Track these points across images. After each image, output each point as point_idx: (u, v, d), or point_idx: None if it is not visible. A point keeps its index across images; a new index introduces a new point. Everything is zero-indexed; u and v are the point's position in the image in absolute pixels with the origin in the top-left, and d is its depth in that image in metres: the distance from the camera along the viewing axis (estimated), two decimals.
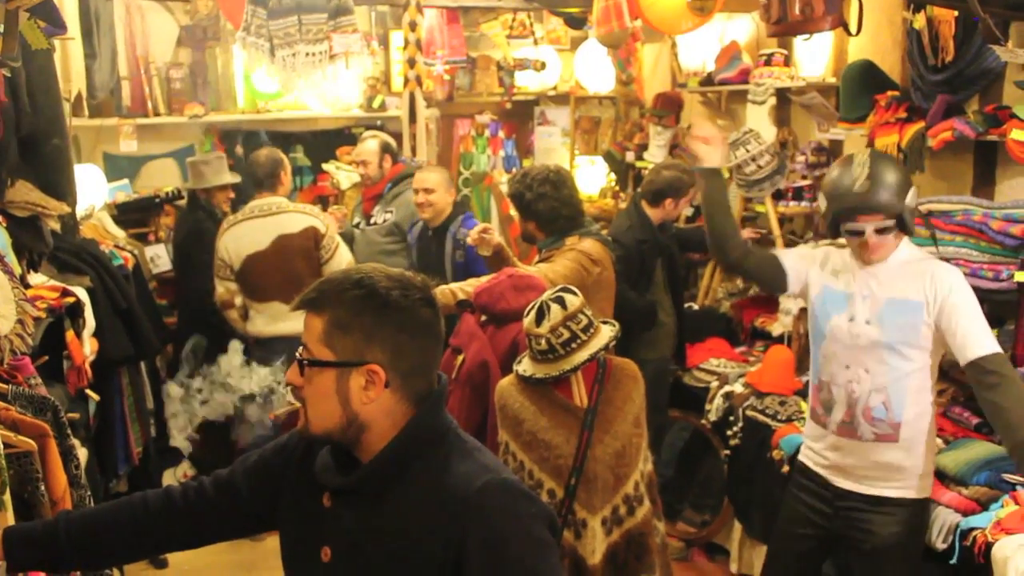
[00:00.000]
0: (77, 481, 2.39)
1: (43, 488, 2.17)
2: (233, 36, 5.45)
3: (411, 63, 5.67)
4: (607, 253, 3.75)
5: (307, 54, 5.02)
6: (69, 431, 2.44)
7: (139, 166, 6.00)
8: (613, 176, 6.55)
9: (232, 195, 5.17)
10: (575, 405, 2.74)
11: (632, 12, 4.77)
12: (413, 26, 5.64)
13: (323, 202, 6.04)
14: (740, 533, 4.26)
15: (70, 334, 3.14)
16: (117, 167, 5.78)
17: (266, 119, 6.21)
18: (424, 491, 1.56)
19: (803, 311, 4.02)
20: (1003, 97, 3.58)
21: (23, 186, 2.88)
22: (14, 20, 2.16)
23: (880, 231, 2.73)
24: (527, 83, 7.05)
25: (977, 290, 2.77)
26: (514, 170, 6.03)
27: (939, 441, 3.14)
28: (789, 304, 4.34)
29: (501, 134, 6.95)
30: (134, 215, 5.39)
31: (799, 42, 4.72)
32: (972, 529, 2.82)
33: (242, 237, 4.55)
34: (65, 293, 3.18)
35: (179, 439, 4.70)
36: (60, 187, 2.88)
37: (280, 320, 4.47)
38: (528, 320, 2.74)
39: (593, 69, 6.49)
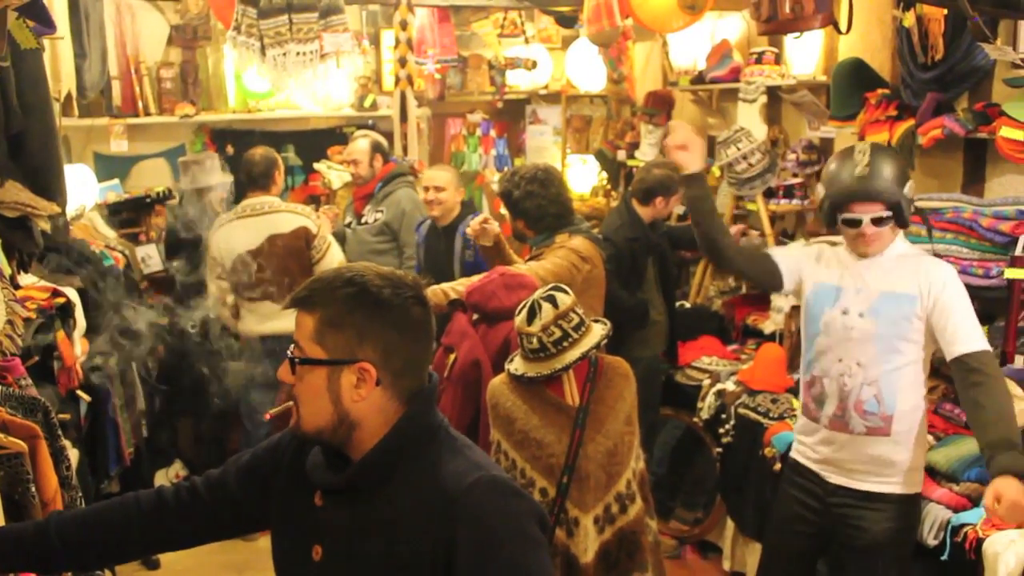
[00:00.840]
0: (68, 482, 2.38)
1: (34, 489, 2.17)
2: (224, 35, 5.45)
3: (402, 62, 5.67)
4: (597, 251, 3.75)
5: (298, 53, 5.00)
6: (60, 432, 2.43)
7: (130, 166, 5.99)
8: (604, 175, 6.55)
9: (223, 195, 5.15)
10: (567, 404, 2.74)
11: (623, 11, 4.78)
12: (404, 25, 5.65)
13: (315, 202, 6.03)
14: (733, 531, 4.27)
15: (61, 335, 3.14)
16: (107, 167, 5.76)
17: (257, 119, 6.20)
18: (415, 489, 1.56)
19: (795, 309, 4.02)
20: (992, 95, 3.60)
21: (12, 186, 2.85)
22: (3, 20, 2.15)
23: (876, 222, 2.73)
24: (518, 82, 7.04)
25: (967, 287, 2.78)
26: (505, 169, 6.03)
27: (930, 438, 3.15)
28: (781, 302, 4.35)
29: (492, 133, 6.93)
30: (125, 215, 5.38)
31: (790, 40, 4.73)
32: (963, 525, 2.84)
33: (233, 236, 4.54)
34: (55, 294, 3.17)
35: None
36: (50, 187, 2.85)
37: (271, 319, 4.46)
38: (519, 319, 2.74)
39: (584, 68, 6.48)
